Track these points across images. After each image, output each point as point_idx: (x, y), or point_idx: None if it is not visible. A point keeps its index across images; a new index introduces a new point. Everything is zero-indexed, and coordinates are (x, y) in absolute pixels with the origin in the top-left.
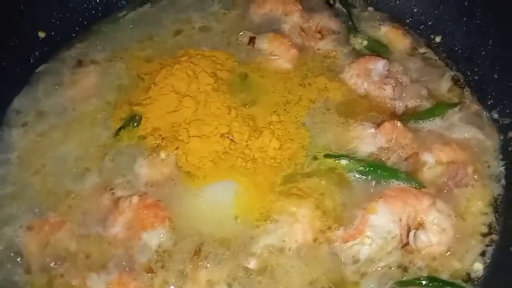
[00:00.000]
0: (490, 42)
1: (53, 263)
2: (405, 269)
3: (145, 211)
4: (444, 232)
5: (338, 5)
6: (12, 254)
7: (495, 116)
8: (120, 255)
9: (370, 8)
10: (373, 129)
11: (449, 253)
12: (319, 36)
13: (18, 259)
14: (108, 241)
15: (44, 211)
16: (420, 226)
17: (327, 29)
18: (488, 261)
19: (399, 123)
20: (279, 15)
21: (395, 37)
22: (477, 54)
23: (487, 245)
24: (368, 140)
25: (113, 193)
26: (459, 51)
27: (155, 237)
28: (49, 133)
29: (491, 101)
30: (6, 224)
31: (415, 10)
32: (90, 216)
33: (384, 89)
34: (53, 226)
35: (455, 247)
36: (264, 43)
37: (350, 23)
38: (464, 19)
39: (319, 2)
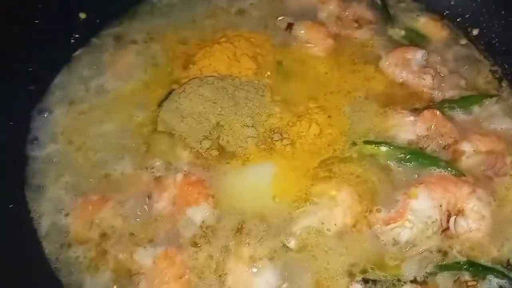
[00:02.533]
0: None
1: (99, 239)
2: (445, 254)
3: (189, 188)
4: (483, 219)
5: None
6: (58, 231)
7: None
8: (166, 229)
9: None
10: (412, 117)
11: (488, 239)
12: (356, 25)
13: (65, 236)
14: (154, 217)
15: (86, 190)
16: (460, 212)
17: (364, 18)
18: None
19: (438, 112)
20: (316, 3)
21: (433, 28)
22: None
23: None
24: (407, 128)
25: (153, 172)
26: (497, 44)
27: (199, 213)
28: (89, 112)
29: None
30: (51, 202)
31: (452, 3)
32: (133, 194)
33: (423, 79)
34: (96, 204)
35: (494, 234)
36: (301, 31)
37: (387, 13)
38: (502, 12)
39: None
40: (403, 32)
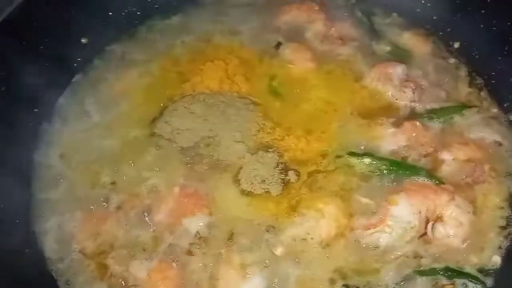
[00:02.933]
0: (507, 49)
1: (99, 252)
2: (422, 259)
3: (186, 200)
4: (461, 225)
5: (358, 13)
6: (62, 243)
7: None
8: (163, 240)
9: (392, 15)
10: (393, 128)
11: (466, 245)
12: (340, 42)
13: (71, 248)
14: (152, 228)
15: (89, 204)
16: (439, 219)
17: (349, 36)
18: (505, 253)
19: (418, 123)
20: (304, 23)
21: (416, 43)
22: (494, 60)
23: (505, 237)
24: (389, 139)
25: (151, 185)
26: (477, 57)
27: (194, 223)
28: (91, 129)
29: (507, 104)
30: (55, 216)
31: (434, 18)
32: (133, 206)
33: (404, 92)
34: (100, 218)
35: (472, 240)
36: (287, 51)
37: (372, 30)
38: (481, 26)
39: (342, 10)
40: (388, 48)
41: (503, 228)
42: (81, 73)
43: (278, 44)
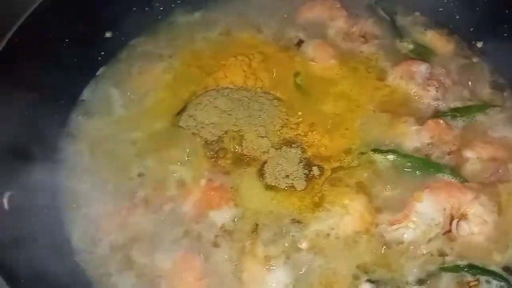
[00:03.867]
0: None
1: (128, 242)
2: (446, 256)
3: (212, 193)
4: (485, 223)
5: (380, 11)
6: (90, 236)
7: None
8: (189, 232)
9: (415, 14)
10: (417, 126)
11: (489, 243)
12: (362, 40)
13: (97, 240)
14: (179, 220)
15: (116, 196)
16: (463, 216)
17: (371, 33)
18: None
19: (441, 121)
20: (325, 20)
21: (439, 42)
22: None
23: None
24: (412, 136)
25: (177, 176)
26: (499, 56)
27: (220, 216)
28: (116, 122)
29: None
30: (82, 207)
31: (457, 17)
32: (160, 198)
33: (428, 90)
34: (127, 210)
35: (496, 239)
36: (310, 48)
37: (395, 28)
38: (505, 26)
39: (364, 8)
40: (411, 46)
41: None
42: (105, 66)
43: (300, 42)
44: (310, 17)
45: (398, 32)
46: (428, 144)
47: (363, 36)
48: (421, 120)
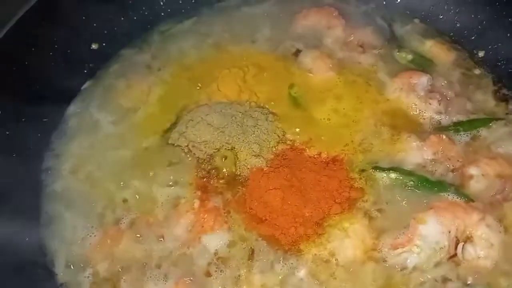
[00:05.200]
0: None
1: (116, 272)
2: (451, 281)
3: (205, 215)
4: (492, 247)
5: (379, 20)
6: (75, 265)
7: None
8: (181, 258)
9: (414, 22)
10: (419, 142)
11: (496, 267)
12: (360, 49)
13: (82, 269)
14: (169, 246)
15: (102, 222)
16: (468, 239)
17: (369, 43)
18: None
19: (444, 136)
20: (323, 29)
21: (439, 52)
22: None
23: None
24: (414, 152)
25: (168, 198)
26: (503, 66)
27: (214, 240)
28: (102, 140)
29: None
30: (67, 235)
31: (458, 25)
32: (148, 223)
33: (430, 103)
34: (113, 237)
35: (502, 261)
36: (307, 59)
37: (393, 37)
38: (508, 34)
39: (361, 15)
40: (410, 56)
41: None
42: (92, 79)
43: (297, 51)
44: (307, 26)
45: (396, 42)
46: (431, 161)
47: (361, 46)
48: (423, 135)
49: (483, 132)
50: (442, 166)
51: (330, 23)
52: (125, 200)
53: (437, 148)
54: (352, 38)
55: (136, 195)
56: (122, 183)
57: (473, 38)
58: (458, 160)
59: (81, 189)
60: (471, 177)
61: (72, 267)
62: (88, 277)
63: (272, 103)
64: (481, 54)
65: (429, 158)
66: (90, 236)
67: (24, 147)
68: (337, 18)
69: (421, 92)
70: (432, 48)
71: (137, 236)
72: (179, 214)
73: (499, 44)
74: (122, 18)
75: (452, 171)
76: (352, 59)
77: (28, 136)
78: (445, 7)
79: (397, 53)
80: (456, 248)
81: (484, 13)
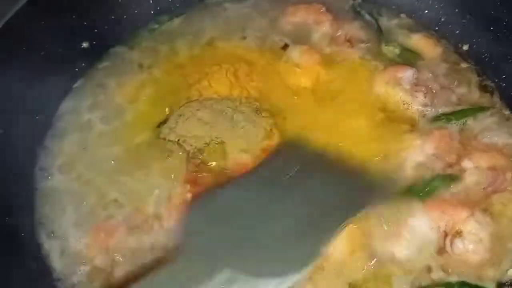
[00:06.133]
0: None
1: (110, 264)
2: (438, 273)
3: None
4: (481, 241)
5: (366, 14)
6: (70, 260)
7: None
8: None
9: (400, 16)
10: (417, 138)
11: (484, 261)
12: (348, 44)
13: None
14: (162, 240)
15: (95, 218)
16: (458, 234)
17: (357, 38)
18: None
19: (446, 131)
20: (310, 24)
21: (425, 46)
22: (505, 63)
23: None
24: (417, 150)
25: (160, 192)
26: (486, 59)
27: None
28: (94, 138)
29: None
30: (61, 233)
31: (442, 19)
32: (142, 217)
33: (416, 97)
34: (107, 232)
35: (490, 255)
36: (295, 54)
37: (380, 31)
38: (491, 28)
39: (348, 11)
40: (397, 50)
41: None
42: (83, 78)
43: (285, 46)
44: (295, 22)
45: (383, 36)
46: (433, 155)
47: (349, 41)
48: (412, 129)
49: (470, 122)
50: (441, 161)
51: (318, 19)
52: (117, 196)
53: (438, 143)
54: (339, 33)
55: (128, 191)
56: (114, 179)
57: (457, 32)
58: (455, 154)
59: (74, 186)
60: (465, 170)
61: (67, 263)
62: (83, 271)
63: (262, 98)
64: (465, 47)
65: (430, 153)
66: (84, 232)
67: (16, 146)
68: (324, 14)
69: (406, 85)
70: (419, 42)
71: (130, 230)
72: (172, 207)
73: (483, 38)
74: (112, 17)
75: (449, 166)
76: (340, 53)
77: (20, 134)
78: (430, 2)
79: (385, 47)
80: (444, 241)
81: (467, 7)
